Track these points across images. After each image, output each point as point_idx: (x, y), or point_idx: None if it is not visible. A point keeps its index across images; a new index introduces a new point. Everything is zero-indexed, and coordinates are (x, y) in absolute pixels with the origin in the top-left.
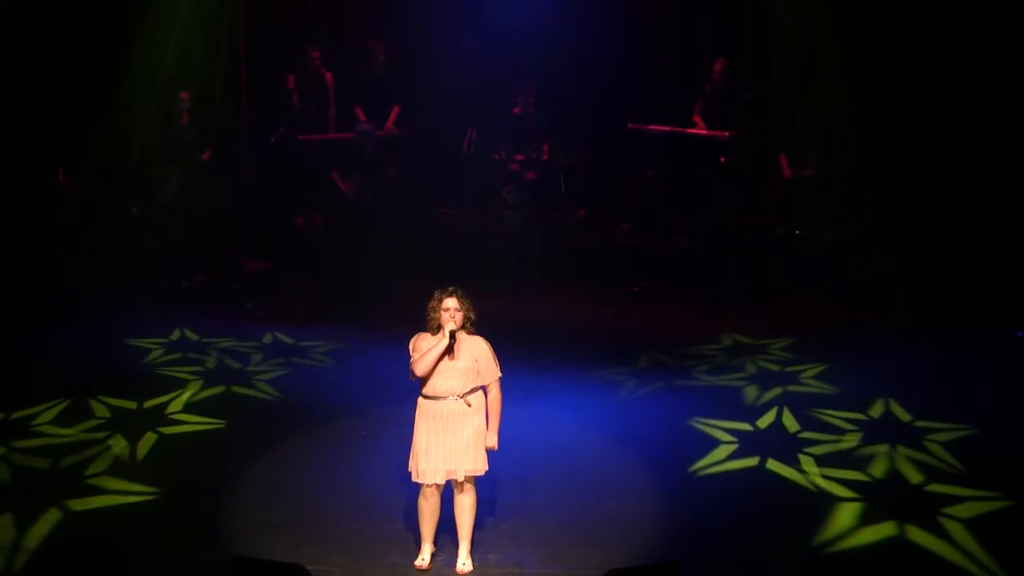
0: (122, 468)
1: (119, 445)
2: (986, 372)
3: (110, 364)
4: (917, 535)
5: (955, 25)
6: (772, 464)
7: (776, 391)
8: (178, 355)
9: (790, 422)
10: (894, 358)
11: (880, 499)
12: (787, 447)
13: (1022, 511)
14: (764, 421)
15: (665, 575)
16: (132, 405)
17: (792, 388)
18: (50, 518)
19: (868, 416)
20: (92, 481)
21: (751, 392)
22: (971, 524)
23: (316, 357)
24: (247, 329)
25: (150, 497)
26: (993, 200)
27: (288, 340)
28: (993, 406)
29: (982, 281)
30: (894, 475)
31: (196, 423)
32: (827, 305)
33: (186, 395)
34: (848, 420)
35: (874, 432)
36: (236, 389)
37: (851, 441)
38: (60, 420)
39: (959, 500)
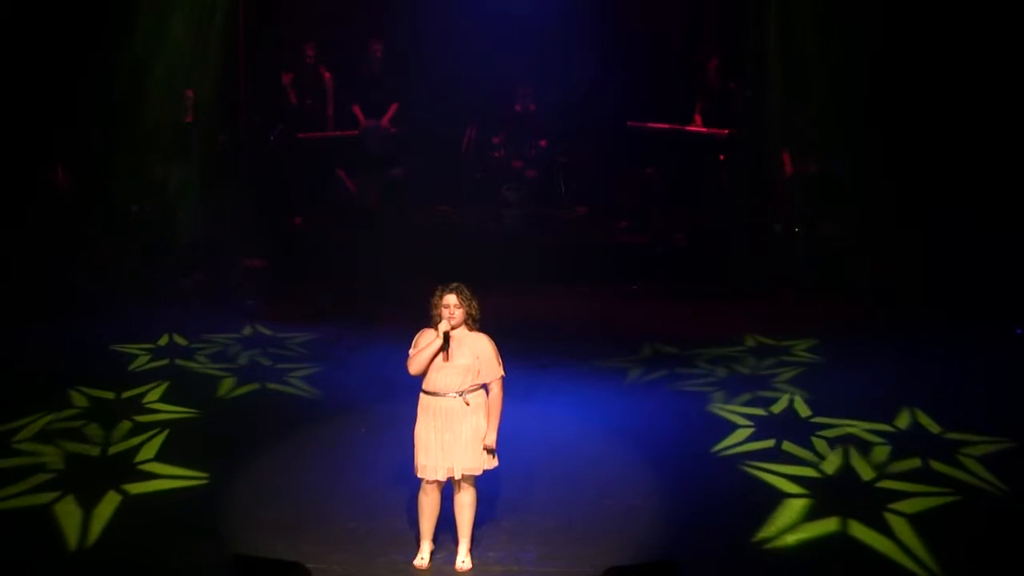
0: (122, 466)
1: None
2: (986, 369)
3: (107, 362)
4: None
5: (956, 21)
6: (773, 465)
7: (779, 385)
8: (174, 356)
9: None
10: (894, 355)
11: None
12: (793, 444)
13: None
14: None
15: (664, 573)
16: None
17: (795, 384)
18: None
19: (863, 411)
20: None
21: (753, 387)
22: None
23: (315, 355)
24: (246, 327)
25: (149, 496)
26: (993, 197)
27: (288, 338)
28: (993, 402)
29: (982, 278)
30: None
31: (197, 424)
32: (826, 303)
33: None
34: (850, 417)
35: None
36: (237, 388)
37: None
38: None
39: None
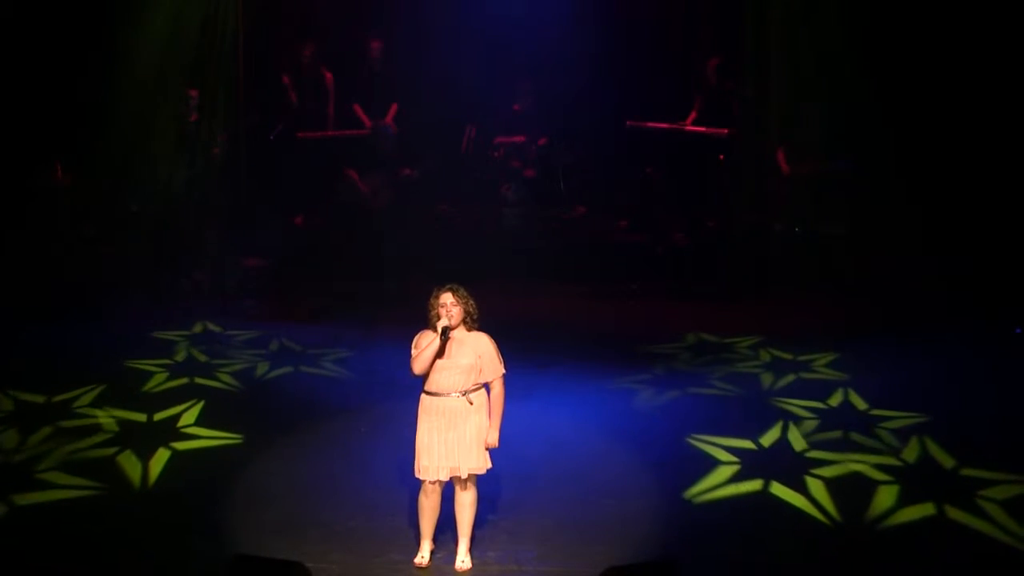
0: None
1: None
2: (986, 368)
3: (109, 362)
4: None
5: (957, 21)
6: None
7: (781, 385)
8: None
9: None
10: (893, 355)
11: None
12: (789, 452)
13: None
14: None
15: (663, 572)
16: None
17: (795, 384)
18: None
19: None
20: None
21: (755, 385)
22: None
23: (316, 355)
24: (246, 327)
25: (150, 495)
26: (993, 198)
27: (287, 338)
28: (993, 402)
29: (981, 278)
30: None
31: (197, 422)
32: (824, 302)
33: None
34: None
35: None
36: (237, 387)
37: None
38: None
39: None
